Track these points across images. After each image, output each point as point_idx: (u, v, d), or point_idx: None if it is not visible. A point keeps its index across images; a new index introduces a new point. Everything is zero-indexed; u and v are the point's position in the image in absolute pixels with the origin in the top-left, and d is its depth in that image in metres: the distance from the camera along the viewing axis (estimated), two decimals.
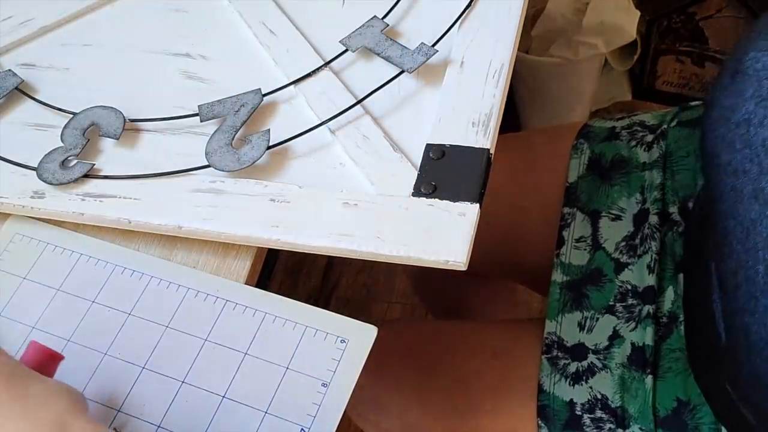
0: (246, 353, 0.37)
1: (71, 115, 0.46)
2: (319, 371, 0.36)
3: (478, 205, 0.37)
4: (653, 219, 0.52)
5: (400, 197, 0.38)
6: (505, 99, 0.41)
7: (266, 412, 0.36)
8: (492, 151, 0.39)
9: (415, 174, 0.39)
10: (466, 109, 0.41)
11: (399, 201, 0.38)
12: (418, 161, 0.40)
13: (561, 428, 0.48)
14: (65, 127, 0.45)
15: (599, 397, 0.47)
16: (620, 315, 0.50)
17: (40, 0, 0.53)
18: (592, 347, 0.50)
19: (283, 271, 1.05)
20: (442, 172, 0.38)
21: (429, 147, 0.40)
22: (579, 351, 0.50)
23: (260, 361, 0.37)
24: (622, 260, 0.52)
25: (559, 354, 0.50)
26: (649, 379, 0.47)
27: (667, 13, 1.03)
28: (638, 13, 0.95)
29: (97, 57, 0.50)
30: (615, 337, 0.49)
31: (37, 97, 0.48)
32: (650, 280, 0.50)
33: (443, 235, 0.36)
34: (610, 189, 0.54)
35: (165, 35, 0.50)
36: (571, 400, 0.48)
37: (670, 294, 0.48)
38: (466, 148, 0.39)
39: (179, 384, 0.37)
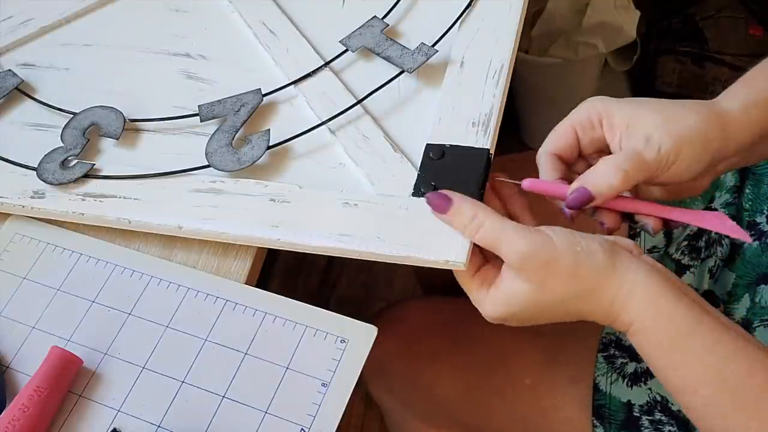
0: (246, 353, 0.37)
1: (71, 115, 0.45)
2: (319, 371, 0.36)
3: None
4: None
5: (400, 197, 0.38)
6: (505, 99, 0.41)
7: (266, 412, 0.36)
8: (492, 151, 0.39)
9: (415, 174, 0.39)
10: (466, 109, 0.41)
11: (399, 201, 0.38)
12: (418, 161, 0.40)
13: (617, 429, 0.47)
14: (65, 127, 0.45)
15: (659, 399, 0.46)
16: None
17: (40, 0, 0.53)
18: None
19: (283, 271, 1.05)
20: (442, 172, 0.38)
21: (429, 147, 0.40)
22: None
23: (260, 361, 0.37)
24: (683, 262, 0.51)
25: (617, 353, 0.49)
26: None
27: (667, 13, 1.02)
28: (638, 13, 0.95)
29: (97, 57, 0.50)
30: None
31: (37, 97, 0.48)
32: (710, 285, 0.48)
33: (443, 235, 0.36)
34: None
35: (165, 35, 0.50)
36: (629, 401, 0.47)
37: (745, 302, 0.47)
38: (466, 148, 0.39)
39: (179, 384, 0.37)
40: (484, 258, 0.36)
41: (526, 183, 0.36)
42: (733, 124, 0.35)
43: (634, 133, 0.35)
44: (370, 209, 0.38)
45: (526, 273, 0.33)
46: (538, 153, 0.38)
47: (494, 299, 0.34)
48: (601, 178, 0.34)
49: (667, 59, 1.03)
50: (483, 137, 0.40)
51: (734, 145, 0.35)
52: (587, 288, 0.33)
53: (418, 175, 0.39)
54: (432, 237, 0.36)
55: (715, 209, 0.52)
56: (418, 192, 0.38)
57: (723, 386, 0.31)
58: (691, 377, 0.32)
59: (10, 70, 0.49)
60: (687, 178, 0.35)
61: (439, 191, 0.36)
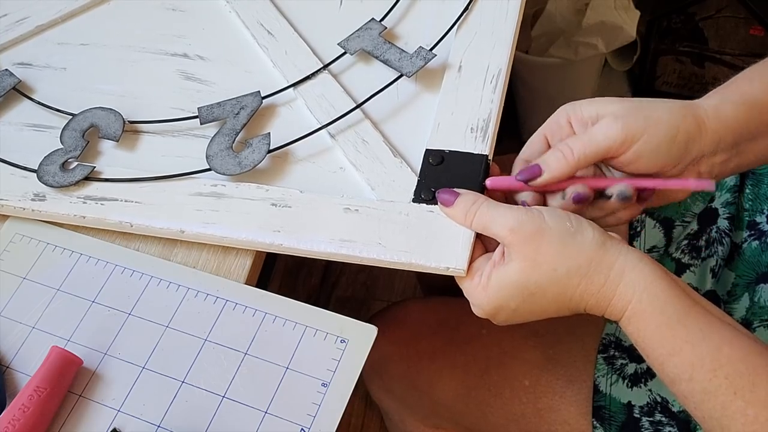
0: (246, 353, 0.37)
1: (70, 116, 0.45)
2: (319, 371, 0.36)
3: None
4: (723, 223, 0.50)
5: (400, 203, 0.39)
6: (502, 104, 0.41)
7: (266, 412, 0.36)
8: (490, 157, 0.39)
9: (414, 179, 0.39)
10: (465, 114, 0.41)
11: (399, 207, 0.38)
12: (418, 166, 0.40)
13: (617, 430, 0.47)
14: (64, 129, 0.45)
15: (659, 400, 0.46)
16: None
17: None
18: None
19: (283, 271, 1.05)
20: (442, 178, 0.39)
21: (428, 152, 0.40)
22: (638, 352, 0.49)
23: (260, 361, 0.37)
24: (684, 261, 0.51)
25: (616, 353, 0.49)
26: None
27: (667, 13, 1.02)
28: (638, 13, 0.95)
29: (93, 56, 0.50)
30: None
31: (34, 97, 0.47)
32: (713, 284, 0.49)
33: (444, 242, 0.36)
34: None
35: (162, 35, 0.50)
36: (629, 402, 0.47)
37: (744, 301, 0.47)
38: (464, 154, 0.39)
39: (179, 384, 0.37)
40: (483, 251, 0.37)
41: (489, 182, 0.38)
42: (708, 115, 0.36)
43: (600, 121, 0.36)
44: (371, 215, 0.38)
45: (514, 248, 0.33)
46: (515, 161, 0.39)
47: (485, 287, 0.34)
48: (550, 155, 0.36)
49: (667, 59, 1.03)
50: (481, 143, 0.40)
51: (709, 137, 0.35)
52: (577, 264, 0.33)
53: (418, 181, 0.39)
54: (433, 243, 0.36)
55: (715, 209, 0.52)
56: (418, 198, 0.38)
57: (718, 372, 0.31)
58: (686, 364, 0.32)
59: (7, 69, 0.48)
60: (656, 164, 0.35)
61: (448, 189, 0.37)
